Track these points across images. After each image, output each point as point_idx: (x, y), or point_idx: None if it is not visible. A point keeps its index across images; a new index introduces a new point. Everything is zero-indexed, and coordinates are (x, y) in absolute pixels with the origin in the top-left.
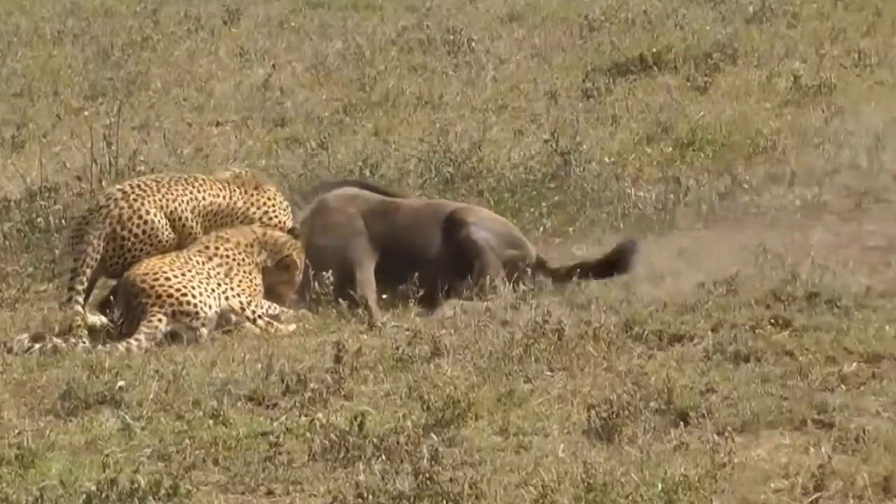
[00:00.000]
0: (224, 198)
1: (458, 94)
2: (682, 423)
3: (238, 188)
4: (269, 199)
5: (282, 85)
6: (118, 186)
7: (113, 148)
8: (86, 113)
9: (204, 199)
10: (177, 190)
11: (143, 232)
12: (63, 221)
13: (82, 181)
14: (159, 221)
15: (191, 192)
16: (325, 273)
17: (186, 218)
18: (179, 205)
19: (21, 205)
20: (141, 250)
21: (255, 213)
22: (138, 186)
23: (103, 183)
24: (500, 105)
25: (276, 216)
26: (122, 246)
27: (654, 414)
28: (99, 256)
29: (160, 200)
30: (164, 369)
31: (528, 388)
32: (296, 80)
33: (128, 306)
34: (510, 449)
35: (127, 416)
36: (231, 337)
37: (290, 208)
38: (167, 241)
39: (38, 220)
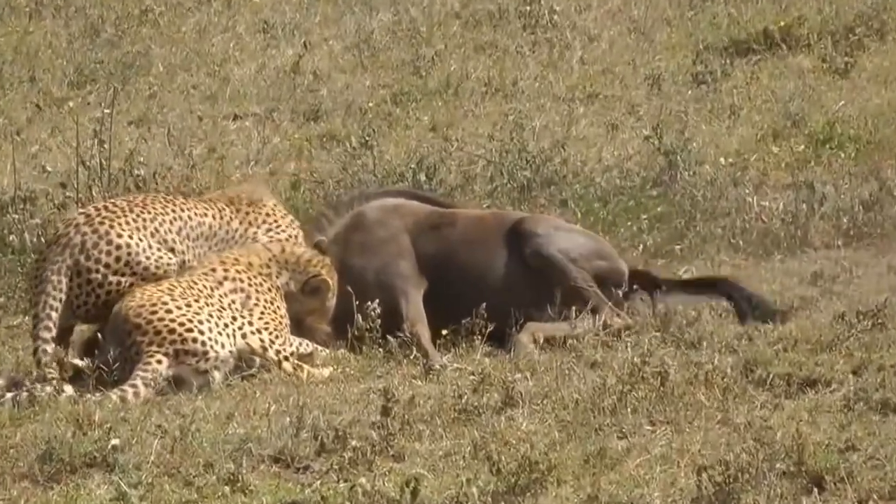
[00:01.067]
0: (214, 217)
1: (536, 80)
2: (815, 489)
3: (227, 206)
4: (268, 214)
5: (316, 68)
6: (81, 210)
7: (105, 147)
8: (71, 104)
9: (191, 219)
10: (155, 208)
11: (117, 259)
12: (42, 239)
13: (67, 189)
14: (137, 244)
15: (174, 211)
16: (370, 303)
17: (173, 240)
18: (161, 224)
19: None
20: (118, 283)
21: (255, 233)
22: (105, 208)
23: (93, 191)
24: (589, 93)
25: (284, 231)
26: (89, 281)
27: (780, 478)
28: (63, 296)
29: (135, 221)
30: (169, 424)
31: (624, 446)
32: (333, 62)
33: (120, 346)
34: None
35: (122, 483)
36: (251, 383)
37: (295, 221)
38: (159, 266)
39: (11, 237)
